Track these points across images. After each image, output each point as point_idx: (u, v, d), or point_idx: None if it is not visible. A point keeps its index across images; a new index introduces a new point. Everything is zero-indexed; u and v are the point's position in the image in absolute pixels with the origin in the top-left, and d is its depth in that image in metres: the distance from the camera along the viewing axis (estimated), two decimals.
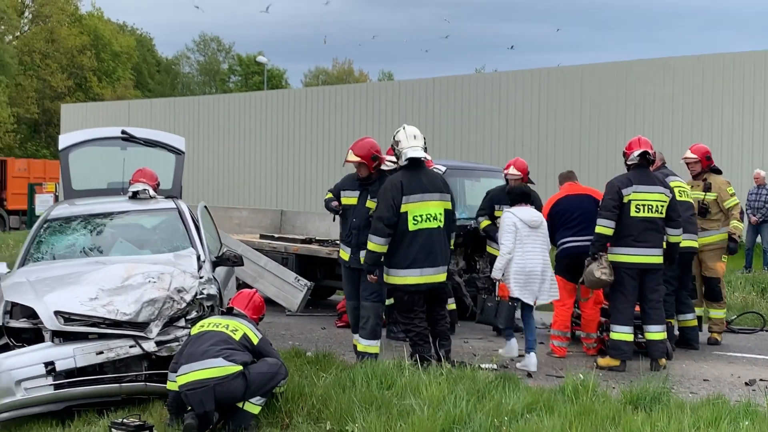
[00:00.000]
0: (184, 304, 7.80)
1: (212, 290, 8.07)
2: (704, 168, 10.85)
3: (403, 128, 8.61)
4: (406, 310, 8.59)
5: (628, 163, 9.17)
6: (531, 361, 8.95)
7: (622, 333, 8.93)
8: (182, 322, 7.88)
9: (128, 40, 68.79)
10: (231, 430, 6.73)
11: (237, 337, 6.95)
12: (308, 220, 15.89)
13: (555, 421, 6.33)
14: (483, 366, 8.48)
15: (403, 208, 8.33)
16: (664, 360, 8.95)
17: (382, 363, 7.85)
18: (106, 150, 10.80)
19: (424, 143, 8.72)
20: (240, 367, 6.69)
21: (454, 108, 27.88)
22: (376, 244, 8.37)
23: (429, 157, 9.25)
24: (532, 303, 9.06)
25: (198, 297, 7.92)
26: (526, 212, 9.16)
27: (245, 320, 7.26)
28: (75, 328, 7.39)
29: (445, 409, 6.54)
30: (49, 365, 7.18)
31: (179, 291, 7.82)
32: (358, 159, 8.91)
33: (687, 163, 10.89)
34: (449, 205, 8.63)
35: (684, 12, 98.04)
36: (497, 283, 9.16)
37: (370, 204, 8.82)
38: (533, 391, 7.24)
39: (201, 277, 8.17)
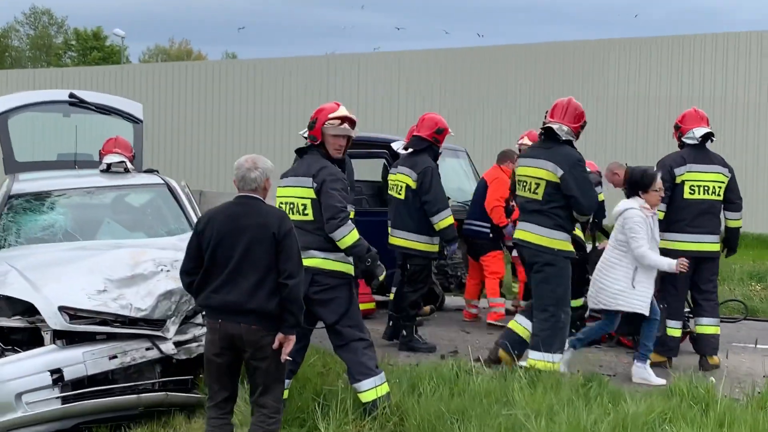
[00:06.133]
0: None
1: None
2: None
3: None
4: None
5: (685, 140, 8.31)
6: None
7: (671, 329, 8.17)
8: (199, 319, 6.61)
9: None
10: None
11: None
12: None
13: None
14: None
15: None
16: (717, 358, 8.18)
17: (439, 366, 6.84)
18: (48, 116, 9.38)
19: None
20: None
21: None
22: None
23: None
24: None
25: None
26: None
27: None
28: (83, 328, 6.06)
29: (561, 421, 5.58)
30: (56, 373, 5.86)
31: None
32: None
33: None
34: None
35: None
36: None
37: None
38: (646, 395, 6.37)
39: None
